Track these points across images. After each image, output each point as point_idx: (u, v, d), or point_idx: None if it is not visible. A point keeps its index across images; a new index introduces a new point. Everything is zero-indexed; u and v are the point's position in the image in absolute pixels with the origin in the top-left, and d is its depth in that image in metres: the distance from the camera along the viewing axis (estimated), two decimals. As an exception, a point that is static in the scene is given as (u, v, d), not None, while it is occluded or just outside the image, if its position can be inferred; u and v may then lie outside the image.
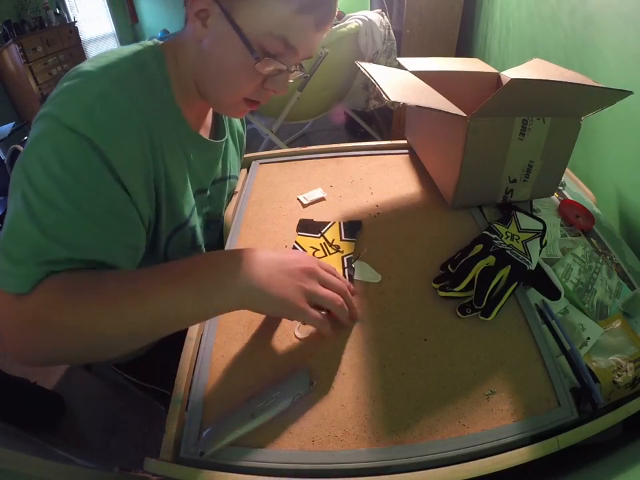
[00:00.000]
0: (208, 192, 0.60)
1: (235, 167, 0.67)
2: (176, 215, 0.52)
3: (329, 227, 0.61)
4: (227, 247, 0.61)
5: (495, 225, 0.58)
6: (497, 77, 0.74)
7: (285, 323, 0.49)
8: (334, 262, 0.55)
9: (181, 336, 0.46)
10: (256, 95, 0.48)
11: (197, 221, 0.58)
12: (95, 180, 0.38)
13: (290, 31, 0.42)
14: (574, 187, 0.72)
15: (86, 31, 4.02)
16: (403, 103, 0.50)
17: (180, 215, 0.53)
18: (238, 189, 0.73)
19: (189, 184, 0.54)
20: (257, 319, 0.49)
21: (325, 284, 0.44)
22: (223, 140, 0.59)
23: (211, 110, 0.59)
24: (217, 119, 0.61)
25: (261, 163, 0.80)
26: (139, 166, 0.43)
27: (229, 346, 0.47)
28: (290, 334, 0.48)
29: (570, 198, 0.68)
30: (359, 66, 0.63)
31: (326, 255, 0.56)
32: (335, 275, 0.47)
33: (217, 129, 0.61)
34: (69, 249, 0.37)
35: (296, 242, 0.59)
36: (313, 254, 0.56)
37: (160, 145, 0.46)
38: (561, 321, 0.48)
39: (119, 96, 0.41)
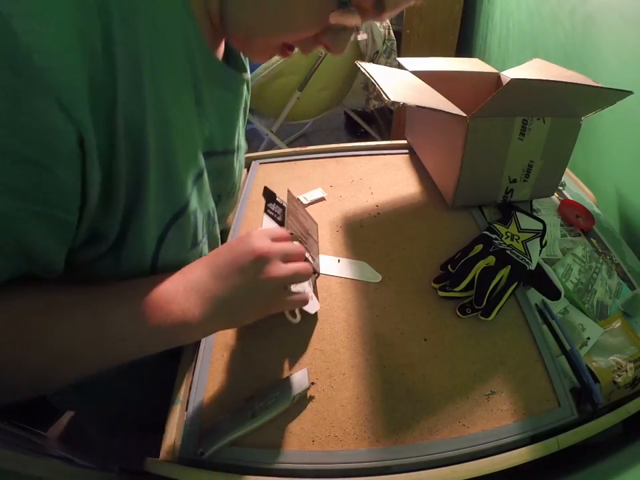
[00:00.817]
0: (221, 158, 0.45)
1: (242, 136, 0.53)
2: (173, 191, 0.34)
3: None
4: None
5: (495, 224, 0.58)
6: (497, 77, 0.74)
7: (284, 323, 0.49)
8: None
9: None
10: (302, 43, 0.38)
11: (200, 204, 0.40)
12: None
13: None
14: (574, 187, 0.72)
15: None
16: (403, 103, 0.50)
17: (179, 189, 0.35)
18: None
19: (197, 139, 0.37)
20: (257, 318, 0.49)
21: (285, 258, 0.39)
22: (246, 78, 0.45)
23: (223, 43, 0.43)
24: (234, 55, 0.44)
25: (260, 163, 0.80)
26: (88, 88, 0.24)
27: (229, 346, 0.47)
28: (290, 334, 0.48)
29: (570, 198, 0.68)
30: (359, 66, 0.63)
31: None
32: (287, 239, 0.42)
33: (236, 66, 0.44)
34: None
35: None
36: None
37: (150, 60, 0.28)
38: (561, 321, 0.48)
39: None
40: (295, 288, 0.45)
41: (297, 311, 0.43)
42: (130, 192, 0.30)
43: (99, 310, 0.31)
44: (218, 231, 0.50)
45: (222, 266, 0.36)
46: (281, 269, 0.37)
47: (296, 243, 0.47)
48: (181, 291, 0.34)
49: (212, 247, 0.48)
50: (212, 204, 0.44)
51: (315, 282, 0.53)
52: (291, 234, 0.49)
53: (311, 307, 0.46)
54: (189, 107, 0.35)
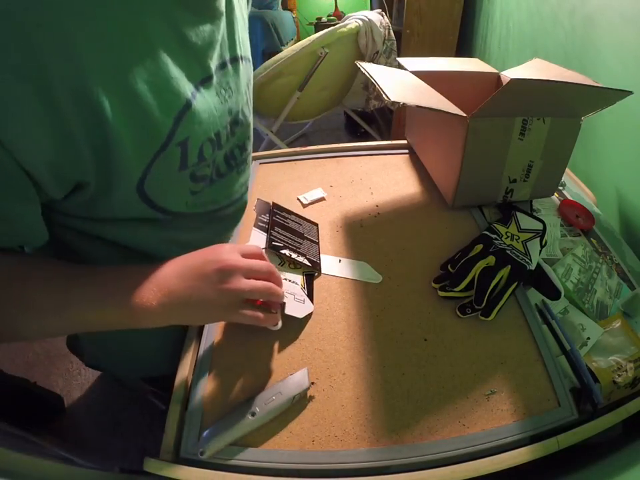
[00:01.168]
0: (214, 79, 0.41)
1: (245, 45, 0.48)
2: (151, 133, 0.34)
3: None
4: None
5: (495, 224, 0.58)
6: (497, 77, 0.74)
7: (284, 323, 0.49)
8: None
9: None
10: None
11: (192, 131, 0.38)
12: None
13: None
14: (574, 187, 0.72)
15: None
16: (403, 103, 0.50)
17: (158, 129, 0.34)
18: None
19: (179, 69, 0.35)
20: (257, 318, 0.49)
21: (249, 274, 0.40)
22: None
23: None
24: None
25: (260, 163, 0.80)
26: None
27: (228, 346, 0.47)
28: (290, 334, 0.48)
29: (570, 198, 0.68)
30: (359, 66, 0.63)
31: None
32: (258, 256, 0.43)
33: None
34: None
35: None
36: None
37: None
38: (561, 321, 0.48)
39: None
40: (286, 291, 0.46)
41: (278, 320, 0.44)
42: (97, 149, 0.32)
43: (70, 286, 0.35)
44: (227, 155, 0.48)
45: (189, 268, 0.38)
46: (241, 283, 0.39)
47: (274, 259, 0.50)
48: (145, 282, 0.37)
49: (219, 172, 0.47)
50: (219, 125, 0.42)
51: (313, 283, 0.53)
52: (275, 245, 0.50)
53: (299, 311, 0.46)
54: (167, 39, 0.34)
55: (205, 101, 0.38)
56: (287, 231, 0.55)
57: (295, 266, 0.52)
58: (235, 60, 0.45)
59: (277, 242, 0.52)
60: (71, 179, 0.34)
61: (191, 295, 0.37)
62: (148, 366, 0.60)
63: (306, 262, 0.52)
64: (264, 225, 0.54)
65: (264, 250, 0.50)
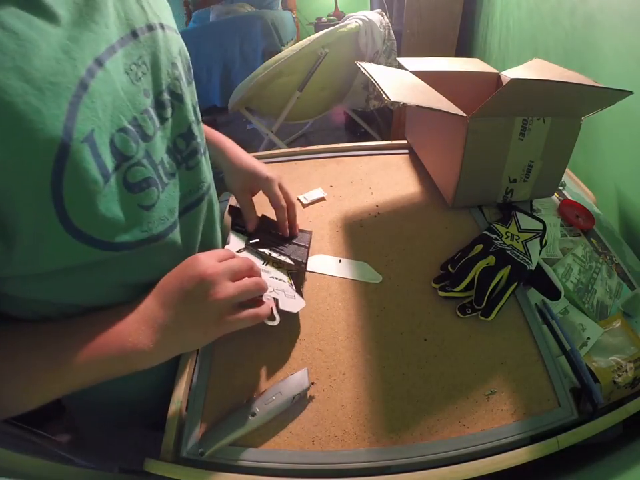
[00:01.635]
0: (119, 53, 0.31)
1: (162, 13, 0.38)
2: (35, 122, 0.24)
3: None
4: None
5: (495, 224, 0.58)
6: (497, 77, 0.74)
7: (284, 323, 0.49)
8: None
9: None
10: None
11: (98, 121, 0.29)
12: None
13: None
14: (574, 187, 0.72)
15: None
16: (403, 103, 0.50)
17: (44, 117, 0.25)
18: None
19: (58, 46, 0.26)
20: (257, 319, 0.49)
21: (232, 276, 0.38)
22: None
23: None
24: None
25: (260, 163, 0.80)
26: None
27: (229, 346, 0.47)
28: (290, 334, 0.48)
29: (570, 198, 0.68)
30: (359, 66, 0.63)
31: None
32: (232, 257, 0.41)
33: None
34: None
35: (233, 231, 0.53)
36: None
37: None
38: (561, 321, 0.48)
39: None
40: (275, 288, 0.46)
41: (275, 313, 0.43)
42: None
43: (54, 353, 0.33)
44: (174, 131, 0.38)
45: (170, 293, 0.37)
46: (228, 288, 0.37)
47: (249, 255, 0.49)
48: (131, 323, 0.35)
49: (167, 171, 0.37)
50: (132, 109, 0.32)
51: (298, 281, 0.53)
52: (254, 243, 0.50)
53: (293, 306, 0.46)
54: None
55: (108, 79, 0.29)
56: (269, 235, 0.55)
57: (278, 265, 0.51)
58: (150, 28, 0.35)
59: (256, 240, 0.51)
60: None
61: (182, 321, 0.35)
62: (147, 414, 0.54)
63: (288, 261, 0.51)
64: (241, 228, 0.54)
65: (245, 250, 0.49)
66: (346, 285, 0.53)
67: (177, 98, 0.38)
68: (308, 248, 0.56)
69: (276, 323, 0.42)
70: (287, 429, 0.39)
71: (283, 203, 0.53)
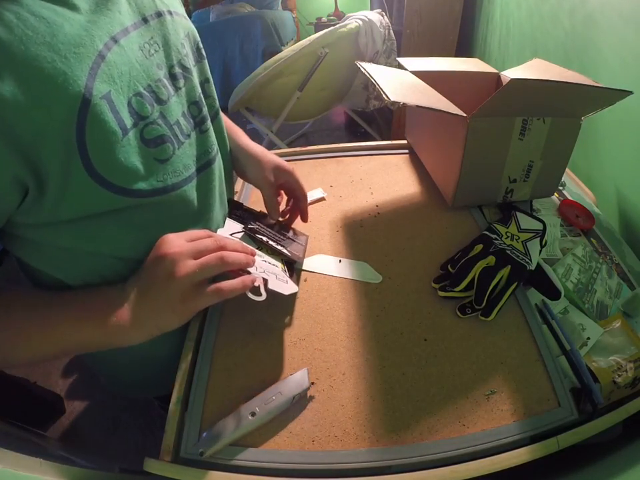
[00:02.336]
0: (133, 34, 0.38)
1: (169, 0, 0.45)
2: (63, 80, 0.31)
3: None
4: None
5: (495, 224, 0.58)
6: (497, 77, 0.74)
7: (284, 323, 0.49)
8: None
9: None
10: None
11: (119, 83, 0.35)
12: None
13: None
14: (574, 187, 0.72)
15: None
16: (403, 103, 0.50)
17: (70, 77, 0.31)
18: (238, 188, 0.73)
19: (80, 28, 0.33)
20: (257, 319, 0.49)
21: (196, 255, 0.39)
22: None
23: None
24: None
25: (260, 163, 0.80)
26: None
27: (229, 346, 0.47)
28: (290, 334, 0.48)
29: (570, 198, 0.68)
30: (359, 66, 0.63)
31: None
32: (205, 237, 0.42)
33: None
34: None
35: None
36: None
37: None
38: (561, 320, 0.48)
39: None
40: (267, 270, 0.45)
41: (261, 289, 0.41)
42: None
43: (51, 311, 0.37)
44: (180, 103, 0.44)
45: (143, 279, 0.39)
46: (188, 266, 0.38)
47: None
48: (115, 300, 0.38)
49: (183, 132, 0.43)
50: (147, 78, 0.38)
51: (293, 269, 0.53)
52: (251, 228, 0.50)
53: (283, 289, 0.45)
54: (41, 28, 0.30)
55: (123, 53, 0.36)
56: (269, 228, 0.55)
57: (272, 253, 0.50)
58: (159, 15, 0.42)
59: (253, 226, 0.51)
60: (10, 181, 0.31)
61: (150, 302, 0.38)
62: (162, 385, 0.59)
63: (285, 251, 0.51)
64: (238, 217, 0.53)
65: (240, 233, 0.49)
66: (346, 285, 0.53)
67: (187, 72, 0.45)
68: (305, 247, 0.57)
69: (261, 299, 0.40)
70: (287, 428, 0.39)
71: (305, 192, 0.59)
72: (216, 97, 0.53)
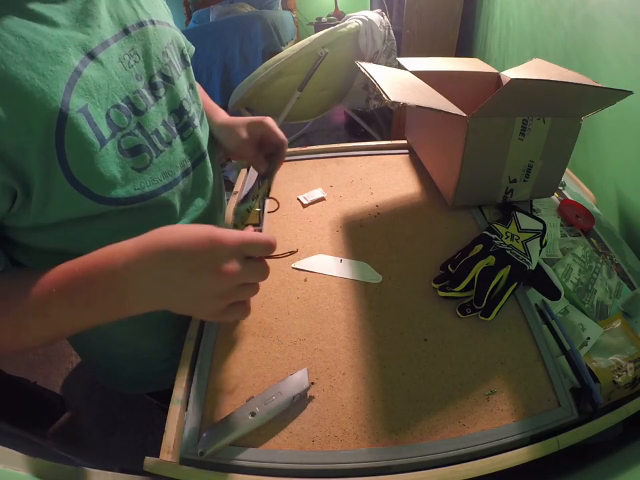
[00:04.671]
0: (112, 47, 0.39)
1: (153, 9, 0.46)
2: (40, 97, 0.32)
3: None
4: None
5: (495, 225, 0.58)
6: (497, 77, 0.74)
7: (284, 323, 0.49)
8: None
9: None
10: None
11: (95, 96, 0.36)
12: None
13: None
14: (574, 186, 0.72)
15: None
16: (403, 103, 0.50)
17: (47, 93, 0.33)
18: (238, 188, 0.73)
19: (57, 44, 0.34)
20: (257, 319, 0.49)
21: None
22: None
23: None
24: None
25: (260, 163, 0.80)
26: None
27: (229, 346, 0.47)
28: (290, 334, 0.48)
29: (570, 198, 0.68)
30: (359, 66, 0.63)
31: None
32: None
33: None
34: None
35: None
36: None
37: None
38: (561, 320, 0.48)
39: None
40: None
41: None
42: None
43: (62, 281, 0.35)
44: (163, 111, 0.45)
45: (185, 254, 0.33)
46: (239, 265, 0.34)
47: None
48: (127, 250, 0.34)
49: (163, 140, 0.44)
50: (124, 90, 0.40)
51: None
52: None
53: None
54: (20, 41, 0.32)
55: (100, 68, 0.37)
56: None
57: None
58: (140, 25, 0.43)
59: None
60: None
61: (189, 279, 0.33)
62: (155, 380, 0.60)
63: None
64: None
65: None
66: (346, 285, 0.53)
67: (168, 80, 0.46)
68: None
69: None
70: (287, 428, 0.39)
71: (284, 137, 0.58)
72: (200, 102, 0.54)
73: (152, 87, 0.44)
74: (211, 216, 0.54)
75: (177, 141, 0.47)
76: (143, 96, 0.42)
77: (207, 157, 0.53)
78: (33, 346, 0.37)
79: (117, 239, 0.38)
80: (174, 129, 0.46)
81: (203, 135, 0.52)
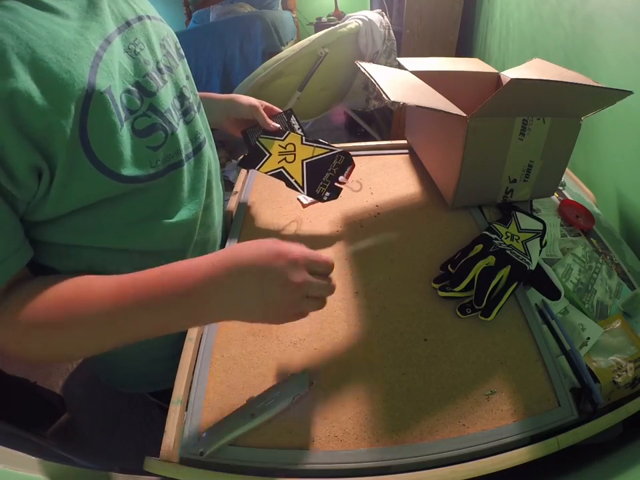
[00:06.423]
0: (118, 37, 0.42)
1: (145, 6, 0.50)
2: (68, 76, 0.35)
3: (288, 135, 0.68)
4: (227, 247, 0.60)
5: (495, 225, 0.58)
6: (497, 77, 0.74)
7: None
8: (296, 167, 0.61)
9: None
10: None
11: (115, 79, 0.39)
12: None
13: None
14: (574, 187, 0.72)
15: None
16: (403, 103, 0.50)
17: (75, 74, 0.35)
18: (238, 188, 0.73)
19: (76, 33, 0.37)
20: (257, 318, 0.49)
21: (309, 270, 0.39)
22: None
23: None
24: None
25: (261, 163, 0.80)
26: None
27: (228, 346, 0.47)
28: (290, 334, 0.48)
29: (570, 198, 0.68)
30: (359, 66, 0.63)
31: (294, 160, 0.62)
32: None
33: None
34: None
35: (259, 142, 0.64)
36: (284, 159, 0.62)
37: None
38: (561, 320, 0.48)
39: None
40: None
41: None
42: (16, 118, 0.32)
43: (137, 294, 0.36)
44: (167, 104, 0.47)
45: (259, 269, 0.36)
46: (308, 277, 0.37)
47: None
48: (202, 268, 0.37)
49: (171, 121, 0.46)
50: (134, 75, 0.42)
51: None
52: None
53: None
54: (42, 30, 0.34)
55: (113, 54, 0.40)
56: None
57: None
58: (140, 18, 0.47)
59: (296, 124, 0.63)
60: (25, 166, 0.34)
61: (267, 290, 0.36)
62: (158, 380, 0.60)
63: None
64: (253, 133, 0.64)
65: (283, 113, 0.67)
66: (346, 284, 0.53)
67: (169, 69, 0.49)
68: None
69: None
70: (287, 429, 0.39)
71: (272, 127, 0.67)
72: (197, 93, 0.57)
73: (159, 71, 0.47)
74: (212, 197, 0.57)
75: (182, 124, 0.50)
76: (152, 78, 0.44)
77: (207, 144, 0.56)
78: (80, 356, 0.39)
79: (131, 225, 0.44)
80: (178, 112, 0.49)
81: (202, 122, 0.56)
